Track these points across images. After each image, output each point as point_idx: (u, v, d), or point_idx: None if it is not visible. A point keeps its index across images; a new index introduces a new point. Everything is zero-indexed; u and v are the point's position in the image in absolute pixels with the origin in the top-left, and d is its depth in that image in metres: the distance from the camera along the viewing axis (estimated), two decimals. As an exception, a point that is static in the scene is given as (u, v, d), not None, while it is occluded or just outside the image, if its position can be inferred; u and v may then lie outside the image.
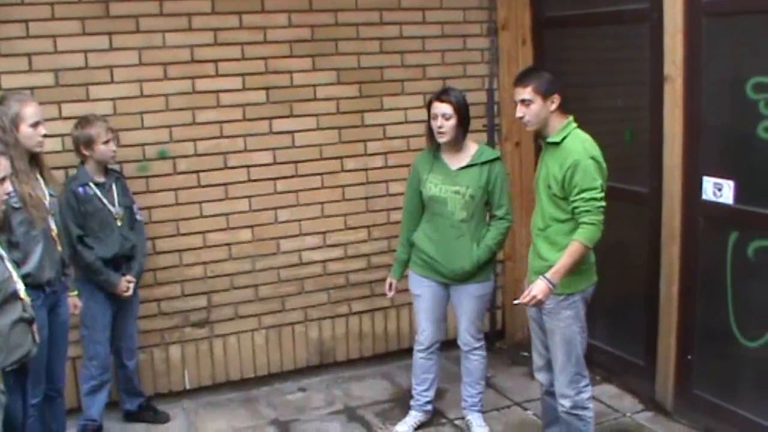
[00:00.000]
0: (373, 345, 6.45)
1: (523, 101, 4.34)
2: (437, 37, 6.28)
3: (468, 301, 5.16)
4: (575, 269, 4.28)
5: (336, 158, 6.12)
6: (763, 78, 4.63)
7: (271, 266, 6.06)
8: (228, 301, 5.97)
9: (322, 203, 6.14)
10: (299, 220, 6.09)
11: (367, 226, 6.21)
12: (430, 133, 5.03)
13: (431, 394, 5.44)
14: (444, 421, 5.53)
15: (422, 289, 5.22)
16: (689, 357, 5.32)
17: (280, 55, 5.84)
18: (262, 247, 6.01)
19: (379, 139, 6.11)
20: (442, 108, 4.91)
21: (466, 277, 5.09)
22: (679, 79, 5.08)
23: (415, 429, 5.42)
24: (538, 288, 4.25)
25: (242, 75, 5.75)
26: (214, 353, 5.98)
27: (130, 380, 5.51)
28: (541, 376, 4.75)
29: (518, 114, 4.39)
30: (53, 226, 4.46)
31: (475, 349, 5.28)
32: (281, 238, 6.06)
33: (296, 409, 5.87)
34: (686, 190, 5.18)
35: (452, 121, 4.90)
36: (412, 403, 5.48)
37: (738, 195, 4.88)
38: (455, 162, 5.04)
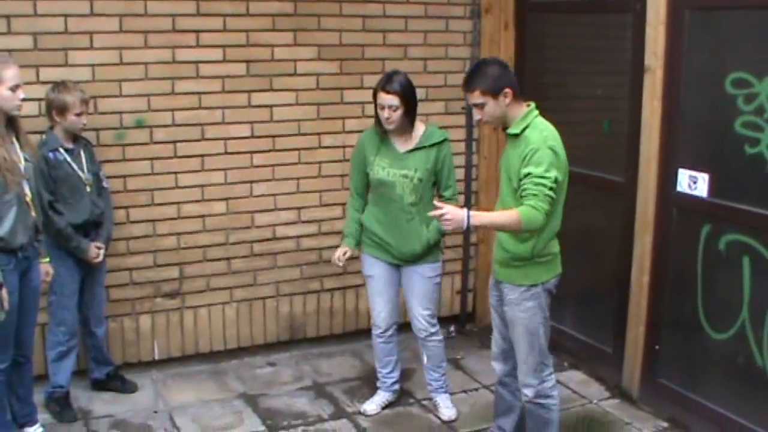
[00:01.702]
0: (344, 322, 6.47)
1: (475, 105, 4.25)
2: (420, 18, 6.28)
3: (419, 281, 5.15)
4: (495, 226, 4.27)
5: (314, 134, 6.11)
6: (742, 74, 4.67)
7: (244, 240, 6.06)
8: (200, 273, 5.96)
9: (298, 179, 6.14)
10: (274, 195, 6.09)
11: (342, 204, 6.19)
12: (378, 118, 4.98)
13: (396, 374, 5.48)
14: (412, 401, 5.57)
15: (375, 271, 5.22)
16: (657, 347, 5.38)
17: (262, 28, 5.82)
18: (236, 221, 6.00)
19: (358, 117, 6.10)
20: (389, 100, 4.85)
21: (416, 258, 5.10)
22: (659, 70, 5.11)
23: (383, 408, 5.45)
24: (453, 212, 4.07)
25: (223, 47, 5.72)
26: (184, 325, 5.98)
27: (98, 348, 5.51)
28: (496, 365, 4.73)
29: (475, 117, 4.32)
30: (27, 191, 4.44)
31: (432, 335, 5.26)
32: (256, 212, 6.06)
33: (265, 383, 5.89)
34: (661, 182, 5.22)
35: (399, 112, 4.87)
36: (378, 384, 5.52)
37: (712, 188, 4.92)
38: (403, 144, 5.01)
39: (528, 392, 4.47)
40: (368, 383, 5.78)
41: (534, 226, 4.04)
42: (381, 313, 5.26)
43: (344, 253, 5.24)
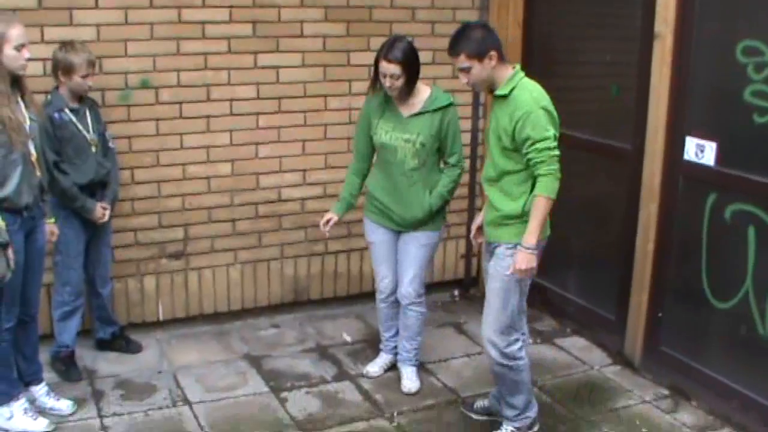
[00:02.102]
0: (348, 285, 6.49)
1: (462, 69, 4.23)
2: (429, -20, 6.24)
3: (415, 248, 5.11)
4: (545, 223, 4.25)
5: (320, 96, 6.09)
6: (753, 42, 4.64)
7: (249, 201, 6.07)
8: (205, 235, 5.97)
9: (303, 141, 6.13)
10: (280, 157, 6.08)
11: (348, 166, 6.19)
12: (375, 81, 4.92)
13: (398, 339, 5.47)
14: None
15: (377, 237, 5.20)
16: (660, 314, 5.40)
17: (269, -12, 5.79)
18: (241, 182, 6.00)
19: (364, 80, 6.01)
20: (390, 69, 4.77)
21: (418, 225, 5.08)
22: (669, 37, 5.07)
23: (385, 371, 5.48)
24: (519, 260, 4.18)
25: (229, 7, 5.68)
26: (188, 286, 6.01)
27: (103, 308, 5.54)
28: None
29: (462, 81, 4.30)
30: (33, 150, 4.43)
31: (414, 304, 5.22)
32: (261, 173, 6.06)
33: (268, 344, 5.92)
34: (668, 149, 5.20)
35: (401, 80, 4.80)
36: (381, 346, 5.55)
37: (719, 157, 4.91)
38: (406, 108, 4.96)
39: (492, 352, 4.43)
40: (371, 346, 5.82)
41: (557, 189, 4.14)
42: (385, 279, 5.26)
43: (327, 221, 5.20)
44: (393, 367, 5.51)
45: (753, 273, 4.77)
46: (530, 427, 4.67)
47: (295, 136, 6.09)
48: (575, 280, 6.27)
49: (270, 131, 6.01)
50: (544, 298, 6.31)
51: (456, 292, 6.81)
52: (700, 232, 5.07)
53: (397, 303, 5.29)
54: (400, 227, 5.10)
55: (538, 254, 4.33)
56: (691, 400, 5.17)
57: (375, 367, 5.49)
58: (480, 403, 4.98)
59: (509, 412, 4.61)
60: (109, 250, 5.48)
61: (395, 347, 5.47)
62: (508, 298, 4.35)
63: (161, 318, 5.98)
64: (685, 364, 5.25)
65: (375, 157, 5.19)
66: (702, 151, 4.99)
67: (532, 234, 4.17)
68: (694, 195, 5.11)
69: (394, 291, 5.27)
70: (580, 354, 5.85)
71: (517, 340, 4.47)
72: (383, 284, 5.28)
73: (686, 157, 5.09)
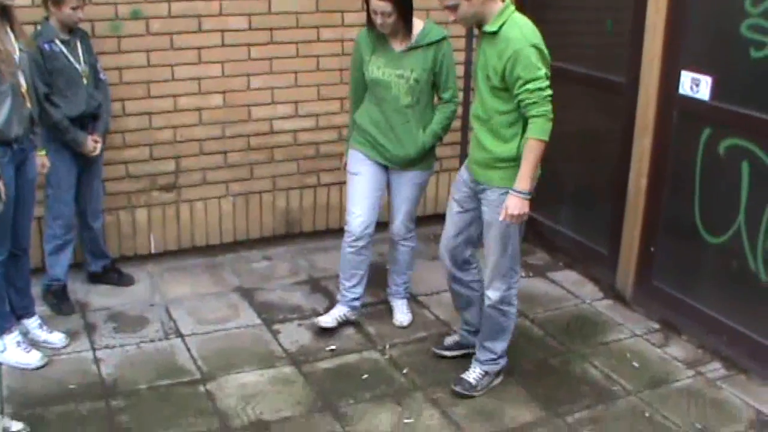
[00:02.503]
0: (340, 217, 6.44)
1: (448, 7, 4.11)
2: None
3: (408, 188, 5.04)
4: (537, 167, 4.15)
5: (312, 27, 6.02)
6: (750, -25, 4.59)
7: (241, 133, 6.03)
8: (196, 167, 5.95)
9: (295, 72, 6.07)
10: (272, 89, 6.03)
11: (340, 98, 6.14)
12: (369, 19, 4.77)
13: (359, 291, 5.22)
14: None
15: (362, 168, 5.00)
16: (652, 249, 5.42)
17: None
18: (232, 114, 5.96)
19: (357, 11, 5.97)
20: (381, 6, 4.59)
21: (410, 164, 4.97)
22: (665, -32, 5.02)
23: (339, 323, 5.22)
24: (512, 206, 4.10)
25: (220, -64, 5.61)
26: (180, 218, 6.01)
27: (95, 242, 5.54)
28: (447, 262, 4.63)
29: (449, 19, 4.18)
30: (22, 81, 4.38)
31: (406, 239, 5.20)
32: (253, 105, 6.01)
33: (260, 277, 5.95)
34: (663, 83, 5.16)
35: (393, 17, 4.65)
36: (338, 297, 5.30)
37: (715, 92, 4.87)
38: (399, 44, 4.80)
39: (493, 296, 4.45)
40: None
41: (549, 130, 4.03)
42: (359, 218, 5.01)
43: (345, 165, 5.17)
44: (383, 301, 5.52)
45: (746, 208, 4.77)
46: (497, 374, 4.69)
47: (287, 67, 6.02)
48: (568, 214, 6.28)
49: (262, 62, 5.94)
50: (536, 232, 6.32)
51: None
52: (694, 167, 5.06)
53: (365, 249, 5.09)
54: (391, 164, 4.98)
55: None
56: (682, 335, 5.21)
57: (327, 318, 5.19)
58: (450, 340, 4.99)
59: (483, 356, 4.63)
60: (100, 183, 5.47)
61: (354, 299, 5.23)
62: (507, 243, 4.33)
63: (153, 251, 6.00)
64: (676, 298, 5.28)
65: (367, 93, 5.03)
66: (697, 86, 4.95)
67: (524, 179, 4.08)
68: (689, 130, 5.08)
69: (364, 235, 5.04)
70: (572, 288, 5.89)
71: (516, 282, 4.50)
72: (355, 224, 5.02)
73: (681, 91, 5.05)
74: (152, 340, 5.04)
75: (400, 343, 5.11)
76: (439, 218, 6.64)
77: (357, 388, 4.64)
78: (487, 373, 4.62)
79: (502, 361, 4.66)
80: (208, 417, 4.32)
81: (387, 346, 5.07)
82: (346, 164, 5.15)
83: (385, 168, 5.02)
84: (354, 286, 5.18)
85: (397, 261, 5.31)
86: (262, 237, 6.33)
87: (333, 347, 5.01)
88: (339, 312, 5.22)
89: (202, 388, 4.58)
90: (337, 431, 4.25)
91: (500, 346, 4.61)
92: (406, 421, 4.36)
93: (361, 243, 5.05)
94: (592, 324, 5.40)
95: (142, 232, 5.92)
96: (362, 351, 5.03)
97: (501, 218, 4.15)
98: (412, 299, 5.50)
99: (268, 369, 4.79)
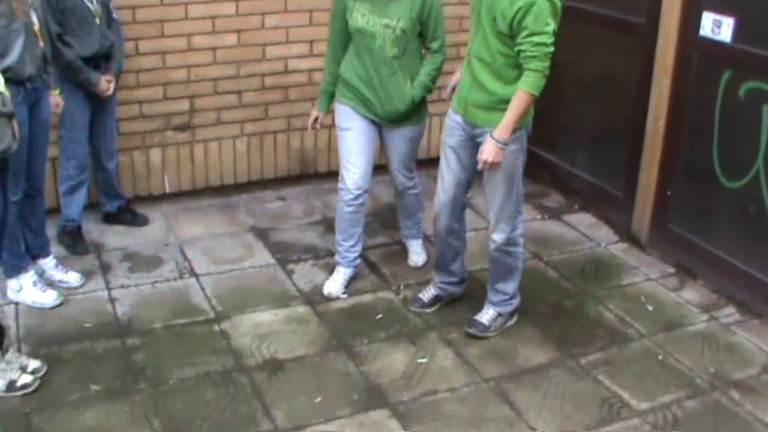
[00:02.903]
0: (355, 158, 6.47)
1: None
2: None
3: (401, 143, 4.92)
4: (520, 120, 4.07)
5: (327, -36, 5.96)
6: None
7: (255, 73, 5.99)
8: (211, 107, 5.92)
9: (310, 11, 6.00)
10: (287, 27, 5.97)
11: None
12: None
13: (359, 248, 5.10)
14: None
15: (353, 122, 4.81)
16: (669, 193, 5.39)
17: None
18: (247, 53, 5.91)
19: (374, -52, 5.94)
20: None
21: (400, 119, 4.80)
22: None
23: (347, 286, 5.07)
24: (488, 152, 4.04)
25: None
26: (194, 158, 6.00)
27: (109, 182, 5.54)
28: (442, 213, 4.57)
29: None
30: (35, 20, 4.35)
31: (409, 188, 5.13)
32: (267, 44, 5.95)
33: (274, 217, 5.95)
34: (684, 24, 5.09)
35: None
36: (338, 258, 5.11)
37: (736, 33, 4.80)
38: None
39: (498, 239, 4.42)
40: (379, 218, 5.89)
41: (542, 87, 3.97)
42: (355, 175, 4.82)
43: (314, 120, 5.03)
44: (398, 241, 5.51)
45: (765, 152, 4.72)
46: (511, 315, 4.71)
47: (302, 5, 5.96)
48: (584, 156, 6.24)
49: (276, 1, 5.88)
50: (552, 174, 6.30)
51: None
52: (713, 110, 5.00)
53: (362, 205, 4.93)
54: (381, 119, 4.80)
55: (528, 133, 4.29)
56: (697, 279, 5.21)
57: (336, 286, 5.01)
58: (427, 295, 4.90)
59: (495, 297, 4.64)
60: (114, 123, 5.44)
61: (355, 259, 5.09)
62: (512, 185, 4.30)
63: (167, 191, 6.00)
64: (692, 242, 5.26)
65: (350, 44, 4.80)
66: (718, 27, 4.88)
67: (506, 128, 4.01)
68: (709, 72, 5.02)
69: (361, 191, 4.87)
70: (587, 231, 5.88)
71: (520, 222, 4.47)
72: (351, 181, 4.83)
73: (702, 32, 4.98)
74: (167, 280, 5.07)
75: (414, 283, 5.11)
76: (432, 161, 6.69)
77: (371, 327, 4.66)
78: (500, 314, 4.64)
79: (515, 301, 4.68)
80: (223, 356, 4.35)
81: (401, 287, 5.09)
82: (316, 119, 5.03)
83: (376, 124, 4.87)
84: (353, 246, 5.05)
85: (406, 206, 5.28)
86: (277, 177, 6.31)
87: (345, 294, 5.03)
88: (343, 276, 5.07)
89: (216, 327, 4.61)
90: (351, 370, 4.28)
91: (511, 286, 4.61)
92: (420, 360, 4.38)
93: (359, 201, 4.89)
94: (607, 267, 5.40)
95: (156, 172, 5.91)
96: (376, 291, 5.05)
97: (480, 163, 4.10)
98: (425, 239, 5.49)
99: (282, 308, 4.82)
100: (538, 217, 6.07)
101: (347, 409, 3.99)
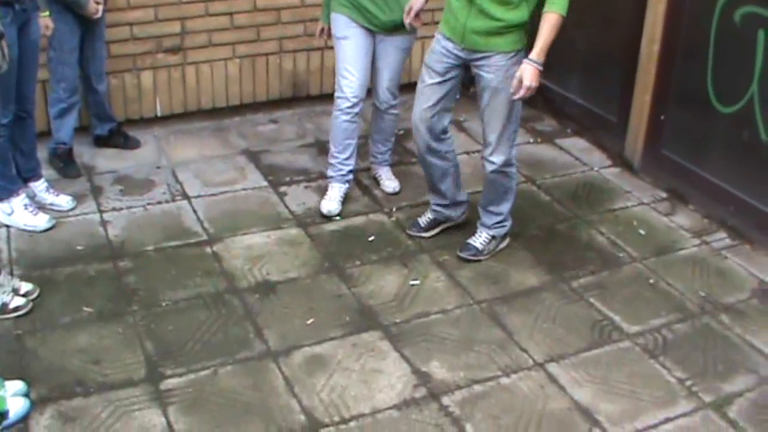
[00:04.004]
0: (347, 81, 6.40)
1: None
2: None
3: (394, 53, 4.86)
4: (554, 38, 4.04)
5: None
6: None
7: (247, -6, 5.92)
8: (202, 28, 5.82)
9: (303, -72, 5.92)
10: (279, -53, 5.89)
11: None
12: None
13: (353, 162, 5.08)
14: (414, 160, 5.51)
15: (350, 31, 4.76)
16: (662, 117, 5.35)
17: None
18: (238, -26, 5.83)
19: None
20: None
21: (395, 28, 4.73)
22: None
23: (343, 203, 5.09)
24: (528, 75, 3.99)
25: None
26: (186, 81, 5.92)
27: (100, 105, 5.48)
28: (423, 130, 4.46)
29: None
30: (22, -59, 4.27)
31: (392, 107, 5.07)
32: (260, -36, 5.88)
33: (267, 140, 5.92)
34: (680, -55, 5.03)
35: None
36: (331, 173, 5.11)
37: (733, -45, 4.75)
38: None
39: (497, 160, 4.38)
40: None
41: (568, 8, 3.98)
42: (353, 82, 4.81)
43: (321, 31, 5.01)
44: (391, 164, 5.45)
45: (760, 78, 4.67)
46: (504, 237, 4.70)
47: (294, -77, 5.86)
48: (578, 80, 6.19)
49: None
50: (545, 98, 6.24)
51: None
52: (708, 34, 4.94)
53: (357, 115, 4.92)
54: (378, 28, 4.75)
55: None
56: (689, 204, 5.21)
57: (334, 204, 5.02)
58: (424, 219, 4.88)
59: (489, 219, 4.62)
60: (103, 45, 5.35)
61: (349, 172, 5.09)
62: (513, 108, 4.26)
63: (159, 114, 5.93)
64: (685, 167, 5.24)
65: None
66: (715, -51, 4.81)
67: (543, 51, 3.99)
68: (704, -5, 4.97)
69: (359, 100, 4.86)
70: (580, 155, 5.86)
71: (515, 143, 4.43)
72: (349, 88, 4.81)
73: (698, -47, 4.92)
74: (159, 203, 5.05)
75: (406, 206, 5.12)
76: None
77: (363, 250, 4.67)
78: (494, 237, 4.63)
79: (509, 223, 4.67)
80: (215, 278, 4.35)
81: (393, 209, 5.08)
82: (323, 30, 5.00)
83: (371, 33, 4.81)
84: (348, 158, 5.04)
85: (383, 130, 5.20)
86: (269, 100, 6.25)
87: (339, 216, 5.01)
88: (338, 192, 5.07)
89: (208, 250, 4.60)
90: (343, 292, 4.29)
91: (506, 207, 4.60)
92: (412, 282, 4.40)
93: (356, 109, 4.89)
94: (600, 191, 5.40)
95: (147, 95, 5.84)
96: (369, 214, 5.04)
97: (515, 91, 4.04)
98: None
99: (274, 230, 4.81)
100: (531, 140, 6.04)
101: (339, 330, 4.01)
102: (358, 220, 4.97)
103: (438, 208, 4.83)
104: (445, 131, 4.52)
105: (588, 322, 4.14)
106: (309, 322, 4.06)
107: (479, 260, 4.59)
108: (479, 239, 4.62)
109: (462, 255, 4.60)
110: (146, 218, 4.88)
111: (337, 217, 4.98)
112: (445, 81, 4.34)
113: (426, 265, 4.55)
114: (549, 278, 4.48)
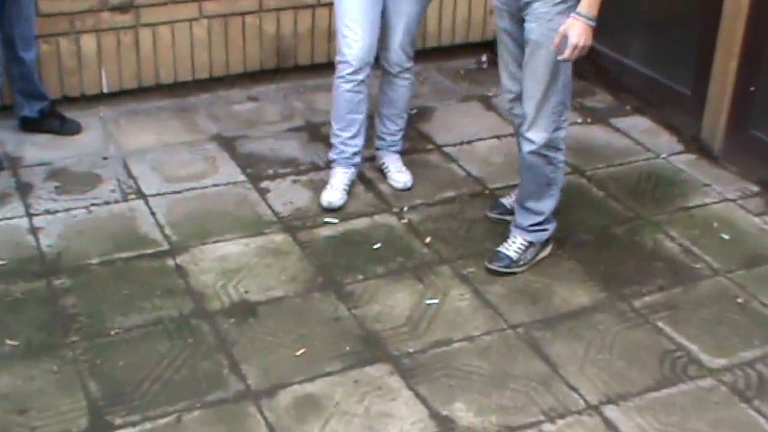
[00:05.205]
0: (345, 46, 6.42)
1: None
2: None
3: (409, 6, 4.87)
4: None
5: None
6: None
7: (217, -64, 5.96)
8: (160, -21, 5.88)
9: None
10: None
11: None
12: None
13: (360, 142, 5.16)
14: (430, 147, 5.57)
15: None
16: (752, 89, 5.33)
17: None
18: None
19: None
20: None
21: None
22: None
23: (348, 192, 5.17)
24: (578, 34, 3.99)
25: None
26: (140, 48, 5.95)
27: (28, 78, 5.48)
28: (516, 109, 4.58)
29: None
30: None
31: (406, 71, 5.09)
32: None
33: (244, 122, 5.97)
34: None
35: None
36: (333, 155, 5.21)
37: None
38: None
39: (537, 138, 4.37)
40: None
41: None
42: (358, 43, 4.83)
43: None
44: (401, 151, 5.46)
45: None
46: (545, 244, 4.69)
47: None
48: (640, 43, 6.21)
49: None
50: (597, 67, 6.27)
51: (483, 58, 6.82)
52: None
53: (363, 84, 4.96)
54: None
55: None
56: (787, 200, 5.23)
57: (337, 194, 5.10)
58: (509, 201, 4.94)
59: (525, 220, 4.60)
60: (32, 4, 5.35)
61: (355, 154, 5.17)
62: (559, 70, 4.23)
63: (105, 90, 5.97)
64: (781, 153, 5.25)
65: None
66: None
67: (596, 3, 3.99)
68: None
69: (365, 65, 4.90)
70: (642, 138, 5.87)
71: (565, 120, 4.42)
72: (353, 50, 4.84)
73: None
74: (107, 203, 5.07)
75: (421, 204, 5.14)
76: (473, 49, 6.65)
77: (367, 261, 4.69)
78: (531, 243, 4.61)
79: (551, 226, 4.65)
80: (179, 297, 4.37)
81: (405, 209, 5.11)
82: None
83: None
84: (353, 136, 5.10)
85: (394, 101, 5.20)
86: (246, 72, 6.31)
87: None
88: (342, 179, 5.14)
89: (171, 262, 4.62)
90: (342, 314, 4.30)
91: (548, 204, 4.58)
92: (428, 302, 4.40)
93: (360, 76, 4.92)
94: (669, 184, 5.40)
95: (90, 65, 5.87)
96: (373, 215, 5.07)
97: (558, 50, 4.05)
98: (437, 150, 5.45)
99: (254, 237, 4.84)
100: (580, 120, 6.06)
101: (337, 363, 4.00)
102: (360, 223, 4.98)
103: None
104: None
105: (656, 353, 4.12)
106: (299, 353, 4.05)
107: (514, 273, 4.58)
108: (513, 246, 4.61)
109: (492, 266, 4.59)
110: (90, 222, 4.90)
111: (334, 220, 4.98)
112: (515, 39, 4.38)
113: (446, 279, 4.55)
114: (604, 296, 4.48)
